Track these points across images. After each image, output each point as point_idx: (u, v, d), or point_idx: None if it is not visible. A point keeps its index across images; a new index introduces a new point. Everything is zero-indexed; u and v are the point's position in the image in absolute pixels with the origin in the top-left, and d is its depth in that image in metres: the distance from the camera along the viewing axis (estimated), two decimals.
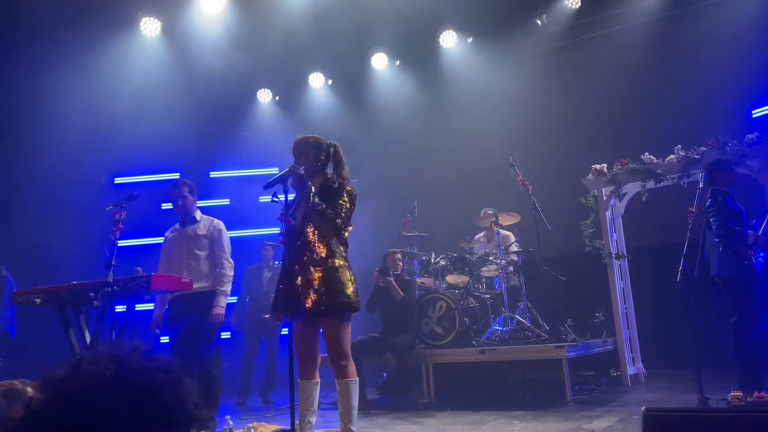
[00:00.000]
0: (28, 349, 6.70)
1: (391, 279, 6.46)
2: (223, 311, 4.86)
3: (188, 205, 5.05)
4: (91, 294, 3.92)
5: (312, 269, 3.51)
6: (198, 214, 5.10)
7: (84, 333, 4.10)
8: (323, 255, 3.53)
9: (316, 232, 3.57)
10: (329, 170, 3.75)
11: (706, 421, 1.98)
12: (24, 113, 7.81)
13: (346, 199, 3.58)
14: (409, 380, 6.26)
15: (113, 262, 3.91)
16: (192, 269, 4.87)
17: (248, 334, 7.30)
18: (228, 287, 4.93)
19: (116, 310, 4.11)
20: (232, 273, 4.99)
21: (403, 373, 6.22)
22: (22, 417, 0.88)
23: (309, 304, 3.46)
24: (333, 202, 3.54)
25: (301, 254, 3.57)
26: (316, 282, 3.48)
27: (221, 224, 5.09)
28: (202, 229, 5.01)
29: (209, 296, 4.85)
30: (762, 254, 5.05)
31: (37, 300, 4.09)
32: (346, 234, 3.63)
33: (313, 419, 3.60)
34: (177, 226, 5.14)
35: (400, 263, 6.68)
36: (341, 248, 3.63)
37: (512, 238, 7.22)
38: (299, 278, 3.52)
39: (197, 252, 4.93)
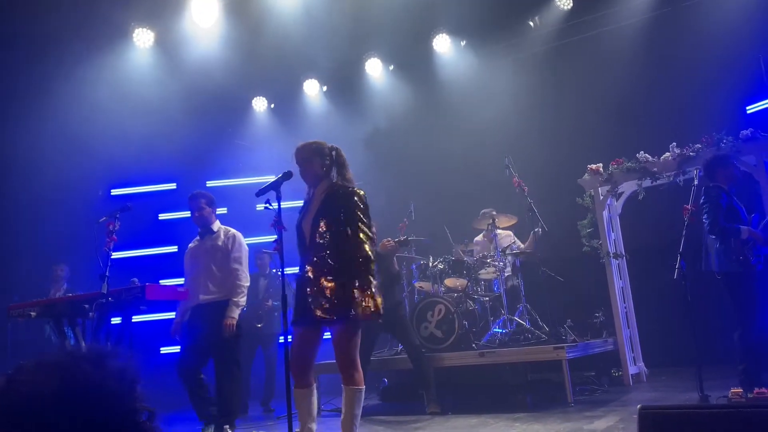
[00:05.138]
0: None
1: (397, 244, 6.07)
2: (234, 321, 4.82)
3: (205, 217, 5.05)
4: (86, 306, 3.92)
5: (322, 277, 3.46)
6: (216, 225, 5.11)
7: (80, 345, 4.09)
8: (335, 262, 3.47)
9: (327, 238, 3.51)
10: (333, 174, 3.70)
11: (702, 417, 1.97)
12: (20, 126, 7.81)
13: (361, 215, 3.53)
14: (421, 385, 5.91)
15: (107, 273, 3.92)
16: (210, 280, 4.91)
17: (243, 342, 7.25)
18: (241, 298, 4.92)
19: (112, 322, 4.11)
20: (246, 283, 5.00)
21: (421, 377, 5.84)
22: None
23: (318, 313, 3.41)
24: (352, 226, 3.49)
25: (310, 261, 3.52)
26: (327, 290, 3.43)
27: (237, 234, 5.08)
28: (219, 241, 5.02)
29: (224, 306, 4.84)
30: (764, 250, 5.01)
31: (33, 313, 4.09)
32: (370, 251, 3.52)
33: (314, 426, 3.56)
34: (197, 238, 5.18)
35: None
36: None
37: (514, 238, 7.22)
38: (309, 286, 3.48)
39: (214, 263, 4.95)
